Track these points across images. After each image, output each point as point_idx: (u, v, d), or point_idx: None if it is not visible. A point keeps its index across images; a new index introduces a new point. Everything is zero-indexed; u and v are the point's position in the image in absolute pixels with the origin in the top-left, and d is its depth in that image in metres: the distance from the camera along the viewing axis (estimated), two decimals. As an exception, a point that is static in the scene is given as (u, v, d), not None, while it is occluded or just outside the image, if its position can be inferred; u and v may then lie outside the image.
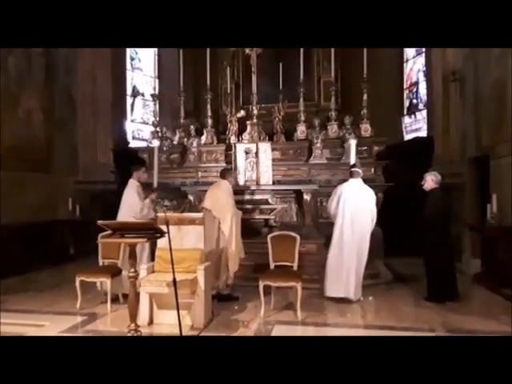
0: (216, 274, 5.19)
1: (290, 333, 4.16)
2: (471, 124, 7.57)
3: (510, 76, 6.10)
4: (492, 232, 6.05)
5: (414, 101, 10.49)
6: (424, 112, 9.97)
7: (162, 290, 4.07)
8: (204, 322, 4.29)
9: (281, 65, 9.05)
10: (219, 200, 5.40)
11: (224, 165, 8.64)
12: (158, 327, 4.31)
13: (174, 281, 3.69)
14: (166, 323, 4.22)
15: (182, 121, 9.16)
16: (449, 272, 5.25)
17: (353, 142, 6.60)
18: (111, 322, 4.64)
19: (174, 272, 3.64)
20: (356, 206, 5.39)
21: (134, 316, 3.52)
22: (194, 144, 8.83)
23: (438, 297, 5.18)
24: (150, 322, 4.39)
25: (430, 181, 5.43)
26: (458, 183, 7.41)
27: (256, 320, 4.59)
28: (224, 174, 5.84)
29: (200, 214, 4.96)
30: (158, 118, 9.68)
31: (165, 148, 8.82)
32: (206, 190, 8.09)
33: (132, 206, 5.48)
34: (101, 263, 5.34)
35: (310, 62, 9.76)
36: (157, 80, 11.88)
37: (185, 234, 4.61)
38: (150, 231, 3.58)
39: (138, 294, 3.79)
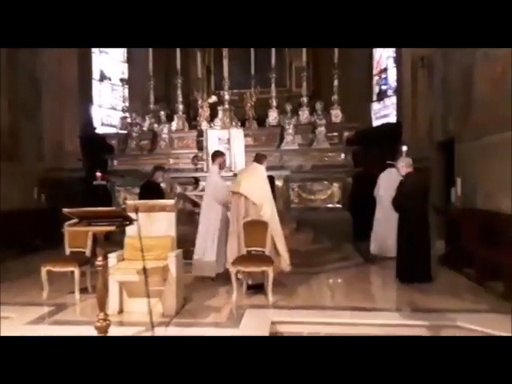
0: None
1: (261, 316, 4.21)
2: (439, 109, 7.75)
3: (477, 63, 6.26)
4: (456, 214, 6.26)
5: (384, 87, 10.64)
6: (393, 98, 10.14)
7: (132, 278, 4.02)
8: (175, 309, 4.28)
9: (252, 49, 8.97)
10: (257, 186, 5.20)
11: (196, 151, 8.56)
12: (128, 315, 4.26)
13: (144, 268, 3.66)
14: (137, 311, 4.18)
15: (151, 106, 8.98)
16: (426, 254, 5.40)
17: (404, 148, 6.80)
18: (80, 312, 4.56)
19: (143, 259, 3.61)
20: (387, 189, 6.48)
21: (102, 305, 3.46)
22: (165, 130, 8.70)
23: (411, 278, 5.27)
24: (120, 311, 4.34)
25: (402, 167, 5.60)
26: (425, 167, 7.62)
27: (228, 305, 4.62)
28: (260, 158, 5.56)
29: (171, 201, 4.90)
30: (127, 104, 9.46)
31: (134, 134, 8.65)
32: (177, 177, 8.11)
33: (219, 191, 5.51)
34: (68, 252, 5.22)
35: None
36: (126, 64, 11.55)
37: (155, 221, 4.55)
38: (119, 219, 3.51)
39: (107, 283, 3.73)
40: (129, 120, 8.91)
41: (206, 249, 5.56)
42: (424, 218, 5.44)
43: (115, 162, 8.81)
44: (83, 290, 4.94)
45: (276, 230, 5.10)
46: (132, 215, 3.58)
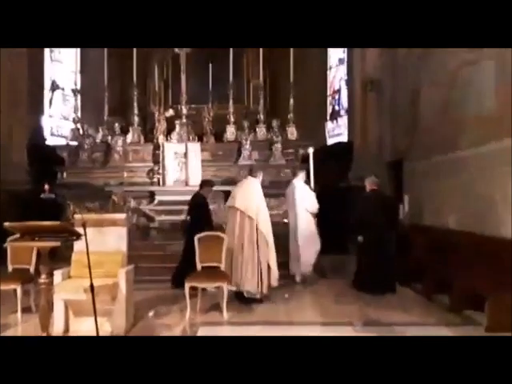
0: (254, 277, 5.04)
1: (215, 334, 4.13)
2: (387, 130, 8.13)
3: (423, 87, 6.65)
4: (404, 230, 6.53)
5: (336, 107, 11.04)
6: (345, 118, 10.52)
7: (78, 297, 3.83)
8: (125, 327, 4.11)
9: (210, 65, 9.01)
10: (253, 199, 5.22)
11: (151, 165, 8.41)
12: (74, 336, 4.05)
13: (92, 286, 3.49)
14: (84, 331, 3.96)
15: (105, 118, 8.74)
16: (392, 265, 5.67)
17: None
18: (22, 333, 4.27)
19: (91, 277, 3.44)
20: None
21: (45, 326, 3.28)
22: (119, 142, 8.49)
23: (380, 289, 5.50)
24: (66, 331, 4.11)
25: (367, 185, 5.98)
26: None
27: (181, 323, 4.50)
28: (254, 172, 5.67)
29: (122, 215, 4.76)
30: (79, 114, 9.14)
31: (86, 146, 8.36)
32: (131, 191, 7.91)
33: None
34: (10, 269, 4.90)
35: (239, 64, 9.83)
36: (79, 75, 11.19)
37: (105, 236, 4.39)
38: (65, 234, 3.35)
39: (51, 302, 3.52)
40: (81, 131, 8.61)
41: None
42: (391, 232, 5.72)
43: (65, 175, 8.44)
44: (26, 310, 4.65)
45: (270, 244, 5.20)
46: (80, 230, 3.43)
